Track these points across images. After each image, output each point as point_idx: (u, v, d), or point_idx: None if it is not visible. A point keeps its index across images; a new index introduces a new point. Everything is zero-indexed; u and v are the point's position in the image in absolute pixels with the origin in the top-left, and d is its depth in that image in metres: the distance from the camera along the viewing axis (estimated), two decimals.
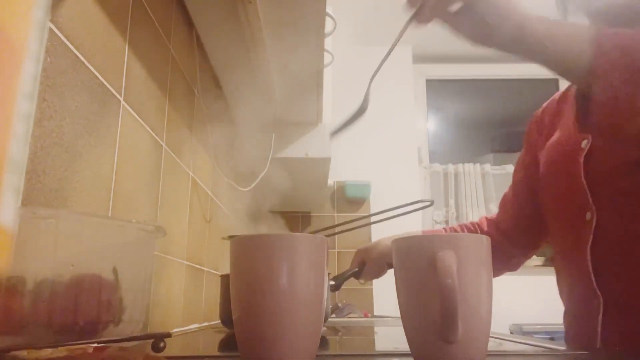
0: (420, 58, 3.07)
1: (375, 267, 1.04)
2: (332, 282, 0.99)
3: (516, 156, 1.00)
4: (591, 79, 0.61)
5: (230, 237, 0.43)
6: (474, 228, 1.03)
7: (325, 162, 1.66)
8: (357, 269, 1.01)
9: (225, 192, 1.46)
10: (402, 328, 0.43)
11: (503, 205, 1.02)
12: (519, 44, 0.62)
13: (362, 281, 1.06)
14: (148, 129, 0.84)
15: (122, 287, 0.46)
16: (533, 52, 0.62)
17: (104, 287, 0.43)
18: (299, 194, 2.15)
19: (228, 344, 0.70)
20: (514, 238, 0.97)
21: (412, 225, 2.66)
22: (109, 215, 0.68)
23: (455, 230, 1.03)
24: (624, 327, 0.69)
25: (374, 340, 0.84)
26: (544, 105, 0.93)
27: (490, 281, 0.40)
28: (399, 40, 0.65)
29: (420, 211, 3.18)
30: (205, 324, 1.21)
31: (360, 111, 0.68)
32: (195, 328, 1.07)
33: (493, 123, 3.31)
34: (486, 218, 1.04)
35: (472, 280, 0.39)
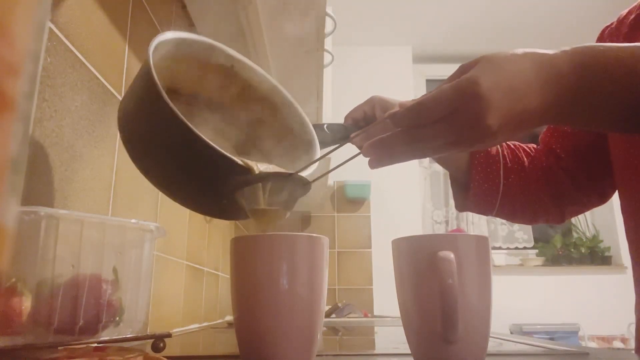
0: (420, 58, 3.07)
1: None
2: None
3: None
4: None
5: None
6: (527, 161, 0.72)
7: (325, 162, 1.66)
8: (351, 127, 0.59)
9: None
10: (402, 328, 0.43)
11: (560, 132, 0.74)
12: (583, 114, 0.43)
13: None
14: None
15: (122, 287, 0.46)
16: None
17: (104, 287, 0.43)
18: None
19: None
20: (577, 178, 0.71)
21: (412, 225, 2.67)
22: (109, 215, 0.68)
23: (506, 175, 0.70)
24: None
25: (374, 340, 0.84)
26: (623, 13, 0.70)
27: (490, 281, 0.40)
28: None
29: (420, 211, 3.12)
30: (205, 324, 1.21)
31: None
32: (195, 328, 1.07)
33: None
34: (544, 145, 0.75)
35: (472, 280, 0.39)
